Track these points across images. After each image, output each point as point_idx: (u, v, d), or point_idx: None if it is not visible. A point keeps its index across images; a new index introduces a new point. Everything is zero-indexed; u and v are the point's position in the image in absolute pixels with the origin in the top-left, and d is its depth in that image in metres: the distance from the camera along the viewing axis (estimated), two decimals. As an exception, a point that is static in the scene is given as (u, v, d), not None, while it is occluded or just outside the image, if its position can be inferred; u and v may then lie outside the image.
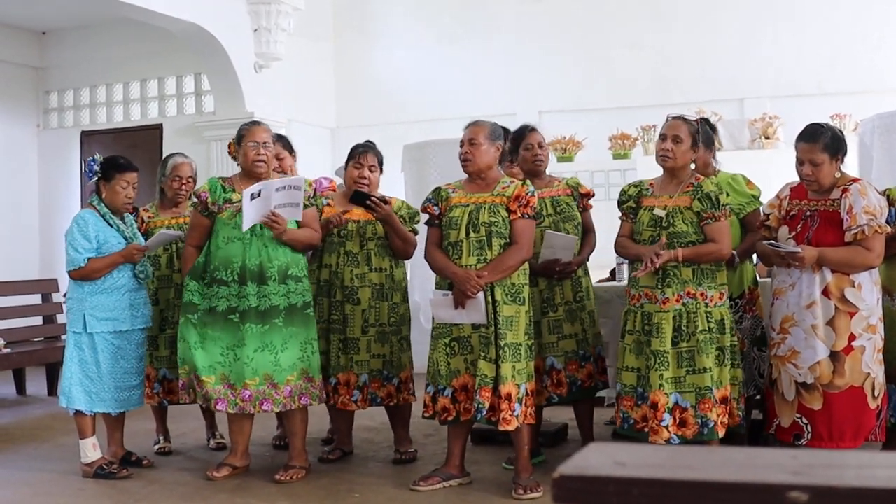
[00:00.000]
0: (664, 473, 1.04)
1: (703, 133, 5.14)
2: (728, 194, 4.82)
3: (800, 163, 4.61)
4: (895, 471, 1.04)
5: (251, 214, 4.90)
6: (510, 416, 4.65)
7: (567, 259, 5.16)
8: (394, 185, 6.01)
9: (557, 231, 5.20)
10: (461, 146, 4.92)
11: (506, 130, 5.05)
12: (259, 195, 4.88)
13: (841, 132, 4.64)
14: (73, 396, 5.26)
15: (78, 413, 5.29)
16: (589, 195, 5.43)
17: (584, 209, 5.39)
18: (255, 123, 5.30)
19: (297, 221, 5.10)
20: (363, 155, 5.46)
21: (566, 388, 5.20)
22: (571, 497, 1.05)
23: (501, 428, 4.68)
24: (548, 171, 5.50)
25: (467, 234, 4.77)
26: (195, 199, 5.24)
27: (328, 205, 5.41)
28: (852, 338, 4.50)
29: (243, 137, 5.17)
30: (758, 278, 5.20)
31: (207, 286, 5.07)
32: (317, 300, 5.37)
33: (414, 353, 5.59)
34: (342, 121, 11.09)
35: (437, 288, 4.92)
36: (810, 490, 0.98)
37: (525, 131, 5.42)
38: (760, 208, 4.99)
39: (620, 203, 4.94)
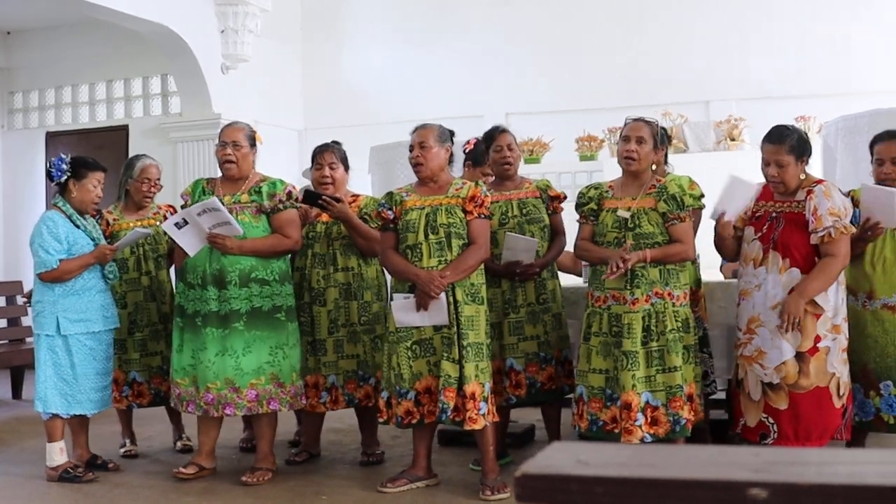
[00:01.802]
0: (627, 472, 1.04)
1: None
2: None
3: (765, 164, 4.64)
4: (856, 467, 1.05)
5: (192, 242, 4.98)
6: (476, 415, 4.66)
7: (528, 261, 5.15)
8: (361, 187, 5.98)
9: (521, 233, 5.20)
10: (411, 150, 4.92)
11: (451, 133, 5.04)
12: (185, 223, 4.93)
13: (806, 134, 4.68)
14: (50, 400, 5.20)
15: (52, 417, 5.23)
16: (559, 198, 5.40)
17: (555, 212, 5.36)
18: (230, 124, 5.29)
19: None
20: (321, 154, 5.46)
21: (525, 389, 5.20)
22: (534, 496, 1.04)
23: (468, 427, 4.68)
24: (519, 173, 5.49)
25: (426, 236, 4.77)
26: (182, 201, 5.31)
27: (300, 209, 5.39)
28: (818, 339, 4.53)
29: (218, 138, 5.19)
30: (701, 279, 5.20)
31: (184, 289, 5.12)
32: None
33: None
34: (310, 123, 11.03)
35: (394, 291, 4.90)
36: (770, 487, 0.98)
37: (495, 133, 5.39)
38: (709, 211, 4.98)
39: (580, 206, 4.93)
